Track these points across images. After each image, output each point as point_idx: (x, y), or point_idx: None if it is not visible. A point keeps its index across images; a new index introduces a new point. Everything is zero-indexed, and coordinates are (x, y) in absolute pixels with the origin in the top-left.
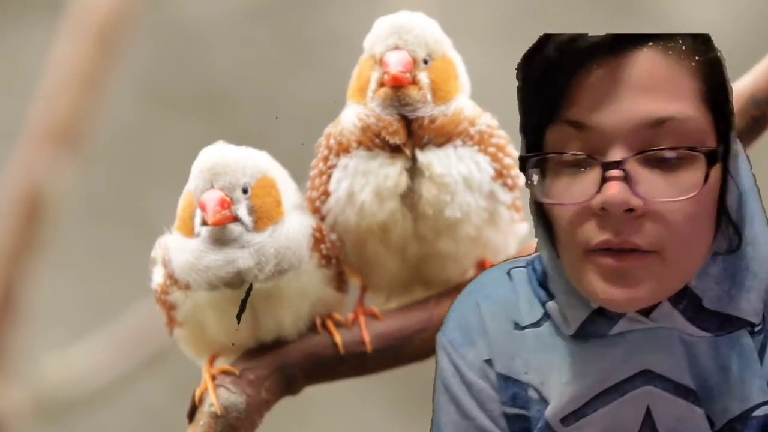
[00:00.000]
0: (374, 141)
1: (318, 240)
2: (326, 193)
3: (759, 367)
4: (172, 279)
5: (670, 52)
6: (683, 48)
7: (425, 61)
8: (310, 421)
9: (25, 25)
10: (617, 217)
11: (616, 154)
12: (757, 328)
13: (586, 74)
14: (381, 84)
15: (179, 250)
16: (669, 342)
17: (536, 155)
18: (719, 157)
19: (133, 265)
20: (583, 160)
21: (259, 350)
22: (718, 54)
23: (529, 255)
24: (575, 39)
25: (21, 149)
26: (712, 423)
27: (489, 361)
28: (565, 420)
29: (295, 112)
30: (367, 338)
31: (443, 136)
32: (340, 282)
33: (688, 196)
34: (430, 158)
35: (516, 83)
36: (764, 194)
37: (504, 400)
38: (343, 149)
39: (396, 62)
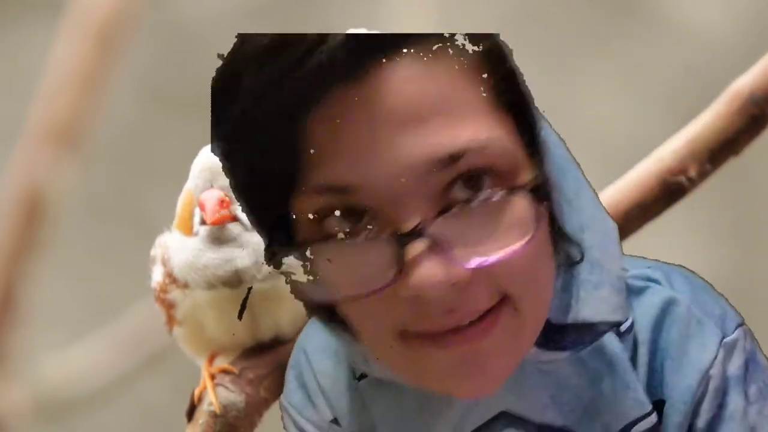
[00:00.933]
0: None
1: None
2: None
3: (631, 375)
4: (171, 277)
5: (430, 54)
6: (447, 45)
7: None
8: None
9: (25, 25)
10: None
11: (409, 219)
12: (624, 327)
13: (320, 112)
14: None
15: (178, 248)
16: (522, 379)
17: (289, 248)
18: (545, 188)
19: (133, 265)
20: (365, 232)
21: (257, 349)
22: (496, 38)
23: None
24: (290, 62)
25: (21, 149)
26: None
27: (335, 421)
28: None
29: None
30: None
31: None
32: None
33: (522, 243)
34: None
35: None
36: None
37: None
38: None
39: None
